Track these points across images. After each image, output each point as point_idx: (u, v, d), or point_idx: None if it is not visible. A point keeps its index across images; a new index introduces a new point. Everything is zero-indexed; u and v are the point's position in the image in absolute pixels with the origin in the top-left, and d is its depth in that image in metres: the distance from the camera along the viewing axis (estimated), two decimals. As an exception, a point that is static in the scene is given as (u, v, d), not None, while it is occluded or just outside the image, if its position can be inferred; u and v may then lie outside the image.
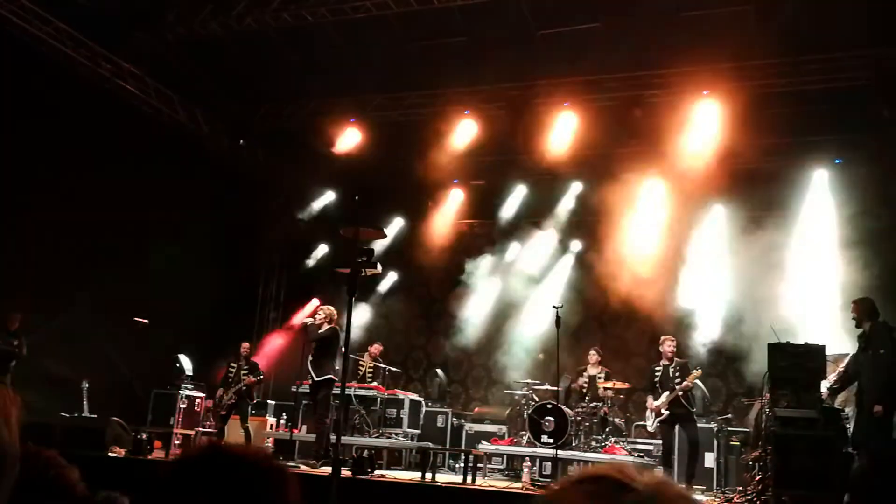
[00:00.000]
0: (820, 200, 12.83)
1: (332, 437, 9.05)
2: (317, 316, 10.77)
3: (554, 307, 10.34)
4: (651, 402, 10.31)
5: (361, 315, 15.50)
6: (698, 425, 10.72)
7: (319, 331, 10.51)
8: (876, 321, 8.28)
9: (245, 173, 15.16)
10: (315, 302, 11.28)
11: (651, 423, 10.35)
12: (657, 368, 10.44)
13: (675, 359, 10.42)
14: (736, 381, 13.16)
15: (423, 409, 13.14)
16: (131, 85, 12.76)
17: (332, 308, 10.81)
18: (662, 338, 10.63)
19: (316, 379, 10.38)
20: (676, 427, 10.20)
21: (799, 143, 12.82)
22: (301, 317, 11.07)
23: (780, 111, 11.86)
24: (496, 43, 11.52)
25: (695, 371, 10.30)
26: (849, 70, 11.29)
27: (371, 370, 12.75)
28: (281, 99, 13.81)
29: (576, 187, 14.68)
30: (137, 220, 12.72)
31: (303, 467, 9.39)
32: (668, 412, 10.06)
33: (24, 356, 11.35)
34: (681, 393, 10.04)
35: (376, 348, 13.11)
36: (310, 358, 10.54)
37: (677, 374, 10.16)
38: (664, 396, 10.12)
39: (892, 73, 10.86)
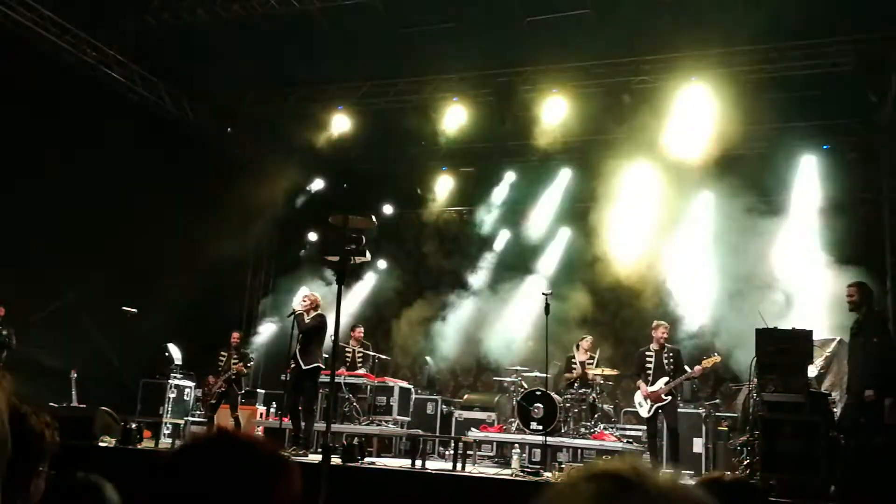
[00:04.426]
0: (807, 185, 12.89)
1: (322, 426, 9.05)
2: (302, 303, 10.71)
3: (543, 293, 10.35)
4: (645, 388, 10.14)
5: (350, 302, 15.51)
6: (687, 411, 10.74)
7: (307, 319, 10.47)
8: (871, 308, 8.31)
9: (232, 161, 15.09)
10: (304, 290, 11.24)
11: (648, 409, 10.13)
12: (648, 353, 10.28)
13: (667, 345, 10.37)
14: (724, 366, 13.21)
15: (413, 396, 13.16)
16: (116, 72, 12.66)
17: (316, 294, 10.77)
18: (656, 322, 10.47)
19: (304, 367, 10.34)
20: (661, 412, 10.21)
21: (786, 128, 12.88)
22: (291, 305, 11.04)
23: (767, 97, 11.89)
24: (484, 29, 11.49)
25: (714, 356, 10.26)
26: (834, 55, 11.32)
27: (360, 356, 12.74)
28: (268, 86, 13.73)
29: (565, 173, 14.69)
30: (124, 208, 12.64)
31: (292, 456, 9.40)
32: (669, 397, 10.04)
33: (14, 346, 11.25)
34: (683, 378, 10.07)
35: (359, 332, 13.09)
36: (297, 346, 10.49)
37: (671, 359, 10.11)
38: (661, 382, 10.03)
39: (877, 58, 10.88)
